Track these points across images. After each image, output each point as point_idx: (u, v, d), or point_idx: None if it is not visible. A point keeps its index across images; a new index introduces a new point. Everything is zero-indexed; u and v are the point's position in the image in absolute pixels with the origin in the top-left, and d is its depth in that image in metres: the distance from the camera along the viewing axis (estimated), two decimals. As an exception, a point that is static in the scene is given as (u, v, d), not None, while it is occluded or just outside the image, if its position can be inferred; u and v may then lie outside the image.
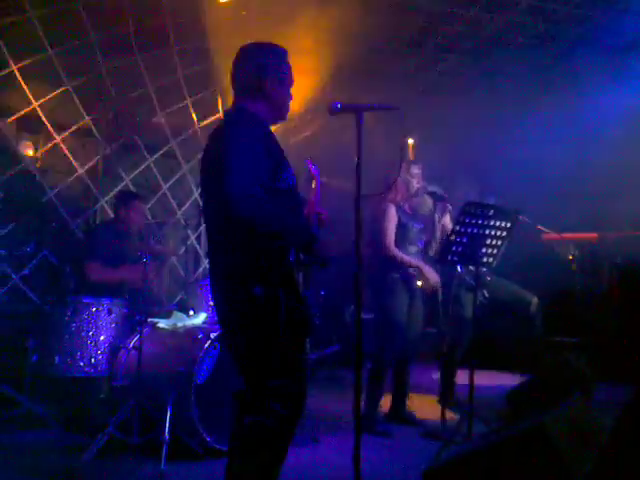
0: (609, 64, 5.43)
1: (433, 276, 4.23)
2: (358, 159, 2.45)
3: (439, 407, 4.09)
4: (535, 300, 4.82)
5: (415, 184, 4.34)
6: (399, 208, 4.32)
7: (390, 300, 4.23)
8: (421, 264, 4.26)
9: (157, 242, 6.04)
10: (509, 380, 4.83)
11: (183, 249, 6.42)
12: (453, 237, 3.54)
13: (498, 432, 2.87)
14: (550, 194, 5.78)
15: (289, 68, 2.53)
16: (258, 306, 2.21)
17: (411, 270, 4.27)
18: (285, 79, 2.50)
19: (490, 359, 5.75)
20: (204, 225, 6.69)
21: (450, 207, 4.44)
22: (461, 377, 4.42)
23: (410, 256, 4.27)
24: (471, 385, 3.48)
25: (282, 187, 2.31)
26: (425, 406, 4.63)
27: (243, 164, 2.14)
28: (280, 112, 2.52)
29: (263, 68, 2.42)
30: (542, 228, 4.85)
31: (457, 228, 3.52)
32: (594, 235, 5.89)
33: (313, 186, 3.07)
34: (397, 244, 4.26)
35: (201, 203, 6.68)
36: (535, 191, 5.54)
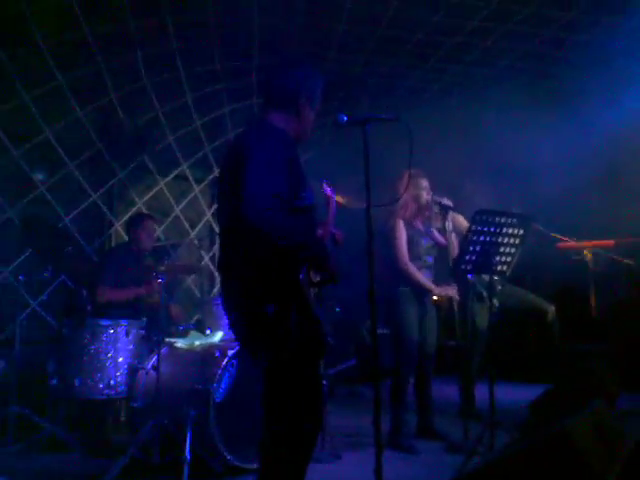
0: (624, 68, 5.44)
1: (448, 291, 4.22)
2: (366, 171, 2.47)
3: (461, 421, 4.06)
4: (552, 309, 4.78)
5: (425, 196, 4.34)
6: (408, 224, 4.32)
7: (401, 315, 4.22)
8: (432, 286, 4.24)
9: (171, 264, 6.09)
10: (531, 392, 4.77)
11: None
12: (466, 246, 3.53)
13: (522, 440, 2.84)
14: (567, 200, 5.76)
15: (321, 90, 2.58)
16: (271, 324, 2.22)
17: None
18: (315, 104, 2.54)
19: (510, 371, 5.70)
20: (217, 245, 6.78)
21: (457, 216, 4.43)
22: (481, 390, 4.38)
23: (420, 272, 4.26)
24: (491, 394, 3.46)
25: (300, 205, 2.32)
26: (447, 420, 4.58)
27: (264, 176, 2.14)
28: (304, 132, 2.54)
29: (300, 86, 2.47)
30: (557, 236, 4.83)
31: (470, 237, 3.51)
32: (611, 242, 5.86)
33: (329, 207, 3.09)
34: None
35: (214, 223, 6.78)
36: (550, 197, 5.52)
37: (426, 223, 4.44)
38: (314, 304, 2.29)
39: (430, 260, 4.36)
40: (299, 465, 2.28)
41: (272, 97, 2.51)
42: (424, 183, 4.34)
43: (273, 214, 2.10)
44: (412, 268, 4.21)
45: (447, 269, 4.20)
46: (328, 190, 3.45)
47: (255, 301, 2.24)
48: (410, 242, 4.28)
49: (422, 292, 4.27)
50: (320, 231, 2.73)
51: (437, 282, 4.35)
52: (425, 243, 4.34)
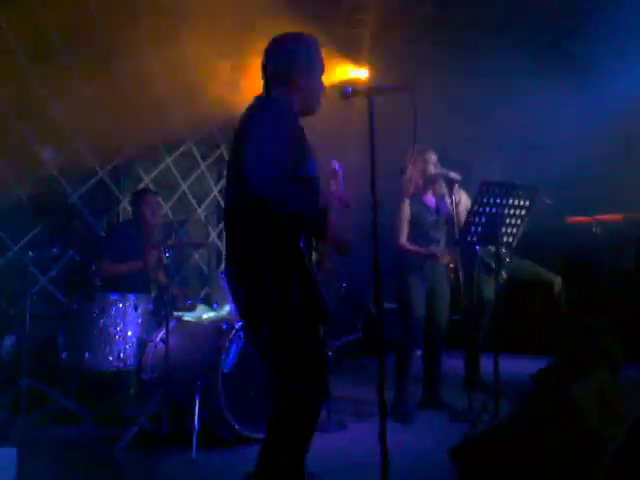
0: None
1: (444, 255, 4.24)
2: (371, 142, 2.47)
3: (466, 392, 4.10)
4: (558, 280, 4.78)
5: (432, 170, 4.32)
6: (415, 198, 4.32)
7: (407, 288, 4.25)
8: (431, 250, 4.27)
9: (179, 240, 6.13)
10: (536, 364, 4.80)
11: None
12: (472, 218, 3.54)
13: (527, 406, 2.87)
14: (578, 174, 5.74)
15: (319, 57, 2.53)
16: (272, 295, 2.24)
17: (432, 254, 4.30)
18: (315, 69, 2.50)
19: (516, 343, 5.72)
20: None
21: (460, 189, 4.43)
22: (487, 362, 4.41)
23: (421, 247, 4.29)
24: (496, 364, 3.49)
25: (303, 175, 2.33)
26: (451, 391, 4.62)
27: (266, 147, 2.16)
28: (311, 103, 2.51)
29: (292, 58, 2.44)
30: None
31: (475, 208, 3.51)
32: (620, 216, 5.83)
33: (335, 182, 3.11)
34: (411, 236, 4.28)
35: (221, 200, 6.79)
36: (561, 171, 5.50)
37: (438, 196, 4.44)
38: (313, 270, 2.30)
39: (438, 235, 4.37)
40: (304, 434, 2.30)
41: (268, 75, 2.50)
42: (432, 157, 4.33)
43: (275, 182, 2.12)
44: (408, 245, 4.25)
45: (453, 241, 4.21)
46: (337, 165, 3.46)
47: (255, 272, 2.26)
48: (416, 218, 4.29)
49: (431, 263, 4.29)
50: (325, 200, 2.74)
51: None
52: (432, 218, 4.34)
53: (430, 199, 4.41)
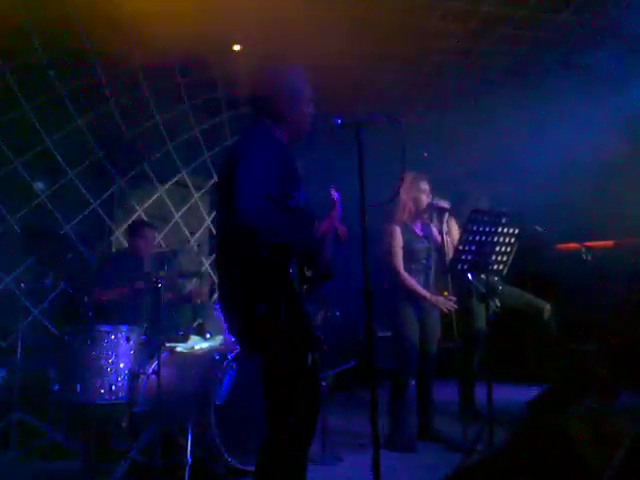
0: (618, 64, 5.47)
1: (442, 303, 4.24)
2: (360, 173, 2.50)
3: (460, 421, 4.08)
4: (548, 307, 4.80)
5: (425, 199, 4.36)
6: (405, 227, 4.34)
7: (401, 317, 4.25)
8: (427, 295, 4.24)
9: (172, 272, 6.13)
10: (529, 392, 4.78)
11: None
12: (462, 246, 3.57)
13: (519, 435, 2.85)
14: (562, 200, 5.78)
15: (303, 84, 2.55)
16: (263, 323, 2.25)
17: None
18: (299, 96, 2.51)
19: (509, 371, 5.71)
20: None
21: (451, 218, 4.46)
22: (481, 390, 4.40)
23: (415, 275, 4.28)
24: (489, 392, 3.49)
25: (292, 205, 2.35)
26: (447, 421, 4.59)
27: (256, 176, 2.18)
28: (298, 132, 2.55)
29: (275, 92, 2.47)
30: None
31: (465, 237, 3.54)
32: (611, 242, 5.87)
33: (333, 211, 3.14)
34: (404, 264, 4.28)
35: (214, 229, 6.81)
36: (545, 199, 5.54)
37: (425, 225, 4.47)
38: (303, 298, 2.31)
39: (429, 262, 4.38)
40: (293, 463, 2.28)
41: (255, 106, 2.55)
42: (424, 186, 4.36)
43: (264, 212, 2.14)
44: (405, 275, 4.25)
45: (444, 270, 4.23)
46: (336, 195, 3.50)
47: (246, 301, 2.28)
48: (407, 246, 4.30)
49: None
50: (322, 228, 2.76)
51: (436, 284, 4.37)
52: (422, 246, 4.36)
53: (418, 227, 4.45)
